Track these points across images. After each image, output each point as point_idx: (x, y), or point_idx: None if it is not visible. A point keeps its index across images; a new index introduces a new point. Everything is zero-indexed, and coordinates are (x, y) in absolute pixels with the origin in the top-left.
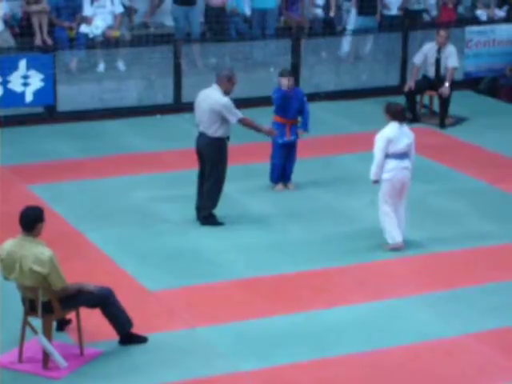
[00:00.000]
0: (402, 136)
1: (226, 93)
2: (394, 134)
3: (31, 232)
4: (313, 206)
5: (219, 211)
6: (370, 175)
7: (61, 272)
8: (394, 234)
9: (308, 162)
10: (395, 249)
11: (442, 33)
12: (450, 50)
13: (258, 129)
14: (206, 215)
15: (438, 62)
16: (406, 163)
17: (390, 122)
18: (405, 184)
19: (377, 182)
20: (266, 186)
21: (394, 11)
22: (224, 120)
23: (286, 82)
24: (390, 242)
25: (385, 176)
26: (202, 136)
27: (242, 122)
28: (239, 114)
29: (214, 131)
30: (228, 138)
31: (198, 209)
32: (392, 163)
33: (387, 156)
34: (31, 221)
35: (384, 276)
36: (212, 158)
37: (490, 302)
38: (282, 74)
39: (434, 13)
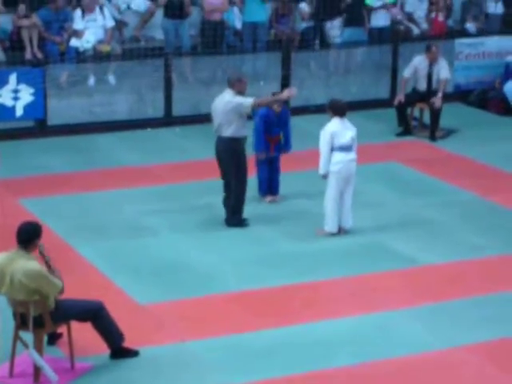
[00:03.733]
0: (344, 130)
1: (241, 93)
2: (336, 128)
3: (27, 247)
4: (302, 219)
5: (209, 223)
6: (319, 171)
7: (52, 280)
8: (331, 223)
9: (297, 175)
10: (326, 235)
11: (434, 49)
12: (442, 63)
13: (276, 100)
14: (232, 216)
15: (429, 76)
16: (352, 155)
17: (332, 117)
18: (352, 175)
19: (325, 176)
20: (254, 199)
21: (381, 23)
22: (240, 118)
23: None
24: (326, 228)
25: (333, 168)
26: (218, 140)
27: (257, 105)
28: (249, 100)
29: (227, 131)
30: (245, 138)
31: (226, 205)
32: (339, 156)
33: (333, 149)
34: (30, 236)
35: (374, 289)
36: (230, 159)
37: (480, 314)
38: None
39: (424, 26)
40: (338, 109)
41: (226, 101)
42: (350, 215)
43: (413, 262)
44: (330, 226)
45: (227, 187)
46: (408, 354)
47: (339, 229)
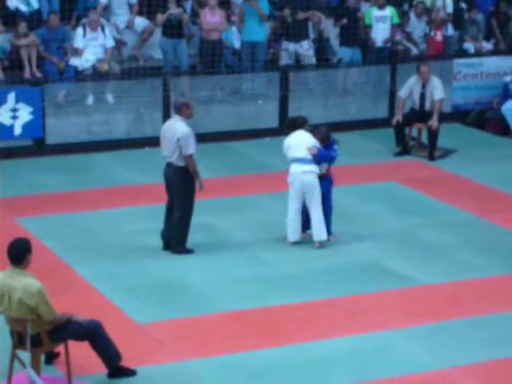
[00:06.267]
0: (300, 142)
1: (189, 118)
2: (289, 142)
3: (20, 264)
4: (299, 240)
5: (207, 242)
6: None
7: (50, 304)
8: (288, 232)
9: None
10: (288, 245)
11: (423, 69)
12: (434, 83)
13: (196, 175)
14: (177, 244)
15: (422, 96)
16: (308, 167)
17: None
18: (308, 187)
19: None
20: (253, 218)
21: (379, 43)
22: None
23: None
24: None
25: (288, 179)
26: (168, 166)
27: (190, 158)
28: (193, 149)
29: (179, 161)
30: None
31: (165, 238)
32: (293, 168)
33: (291, 161)
34: (20, 253)
35: (372, 308)
36: (179, 187)
37: (477, 335)
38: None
39: (423, 46)
40: (291, 125)
41: (175, 130)
42: (323, 228)
43: (410, 281)
44: (288, 235)
45: (169, 218)
46: (405, 373)
47: (314, 243)
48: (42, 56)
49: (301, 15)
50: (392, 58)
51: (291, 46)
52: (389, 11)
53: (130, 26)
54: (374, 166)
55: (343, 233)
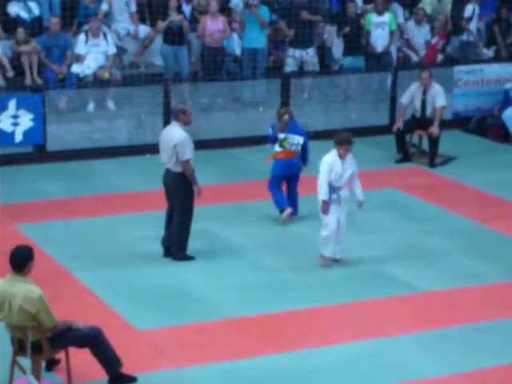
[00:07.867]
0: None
1: (186, 124)
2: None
3: (21, 271)
4: (302, 246)
5: (207, 249)
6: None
7: (51, 311)
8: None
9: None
10: None
11: (424, 75)
12: (436, 90)
13: (193, 181)
14: (177, 251)
15: (423, 103)
16: None
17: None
18: None
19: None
20: (254, 225)
21: (380, 49)
22: None
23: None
24: None
25: None
26: (167, 172)
27: (187, 163)
28: (190, 155)
29: (177, 167)
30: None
31: (165, 244)
32: None
33: None
34: (22, 260)
35: (372, 315)
36: (177, 193)
37: (480, 342)
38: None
39: (423, 53)
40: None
41: (172, 135)
42: (323, 245)
43: (412, 288)
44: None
45: (169, 224)
46: (406, 381)
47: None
48: (43, 63)
49: (305, 15)
50: (393, 64)
51: (298, 53)
52: (387, 17)
53: (134, 35)
54: (375, 172)
55: None
